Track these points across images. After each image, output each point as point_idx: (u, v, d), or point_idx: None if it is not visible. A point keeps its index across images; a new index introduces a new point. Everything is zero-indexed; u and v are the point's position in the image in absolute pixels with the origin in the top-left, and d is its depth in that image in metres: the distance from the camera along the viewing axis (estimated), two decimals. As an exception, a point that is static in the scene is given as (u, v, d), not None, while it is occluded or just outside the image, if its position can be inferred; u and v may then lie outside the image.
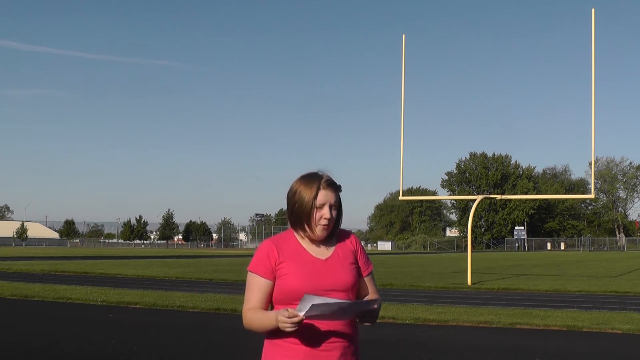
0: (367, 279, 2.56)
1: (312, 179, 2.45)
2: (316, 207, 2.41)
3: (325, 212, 2.42)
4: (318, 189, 2.42)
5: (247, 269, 2.47)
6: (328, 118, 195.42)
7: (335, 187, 2.46)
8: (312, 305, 2.20)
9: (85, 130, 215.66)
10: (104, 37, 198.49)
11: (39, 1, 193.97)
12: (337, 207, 2.46)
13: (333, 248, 2.50)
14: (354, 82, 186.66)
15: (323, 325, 2.36)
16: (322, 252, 2.47)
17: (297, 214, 2.45)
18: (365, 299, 2.49)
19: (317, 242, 2.48)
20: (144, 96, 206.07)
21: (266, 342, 2.46)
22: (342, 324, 2.39)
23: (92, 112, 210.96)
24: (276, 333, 2.38)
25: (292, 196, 2.47)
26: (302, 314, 2.23)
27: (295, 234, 2.51)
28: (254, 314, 2.41)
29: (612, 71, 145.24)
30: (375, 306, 2.35)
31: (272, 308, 2.46)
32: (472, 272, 19.19)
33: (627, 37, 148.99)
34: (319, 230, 2.43)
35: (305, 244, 2.48)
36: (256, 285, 2.43)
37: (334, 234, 2.50)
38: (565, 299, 14.24)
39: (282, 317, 2.24)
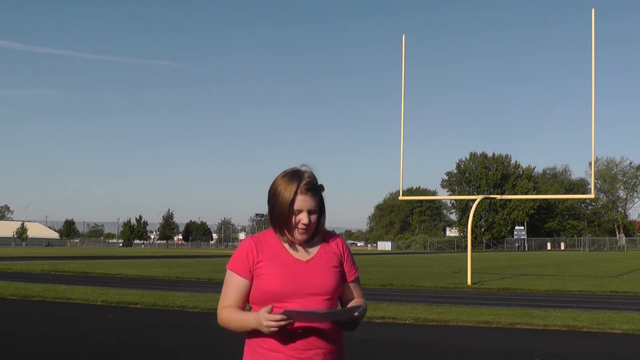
0: (352, 285, 2.46)
1: (292, 180, 2.32)
2: (294, 213, 2.31)
3: (303, 217, 2.31)
4: (295, 194, 2.30)
5: (226, 266, 2.40)
6: (328, 118, 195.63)
7: (315, 191, 2.33)
8: (289, 316, 2.17)
9: (85, 130, 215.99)
10: (104, 37, 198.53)
11: (39, 1, 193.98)
12: (317, 210, 2.35)
13: (316, 250, 2.40)
14: (354, 83, 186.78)
15: (303, 328, 2.27)
16: (304, 254, 2.38)
17: (275, 217, 2.35)
18: (349, 304, 2.39)
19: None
20: (143, 96, 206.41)
21: (246, 346, 2.39)
22: (323, 326, 2.30)
23: (92, 112, 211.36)
24: (255, 336, 2.31)
25: (271, 196, 2.36)
26: (286, 317, 2.18)
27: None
28: (231, 313, 2.34)
29: (612, 71, 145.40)
30: (357, 314, 2.27)
31: (249, 308, 2.38)
32: (472, 272, 19.18)
33: (628, 38, 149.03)
34: (297, 235, 2.34)
35: (286, 244, 2.39)
36: (233, 284, 2.35)
37: (315, 236, 2.40)
38: (565, 299, 14.23)
39: (267, 322, 2.18)
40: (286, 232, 2.35)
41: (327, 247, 2.42)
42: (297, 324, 2.25)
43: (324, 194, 2.40)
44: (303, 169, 2.39)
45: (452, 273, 24.67)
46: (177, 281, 19.32)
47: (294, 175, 2.34)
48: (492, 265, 33.18)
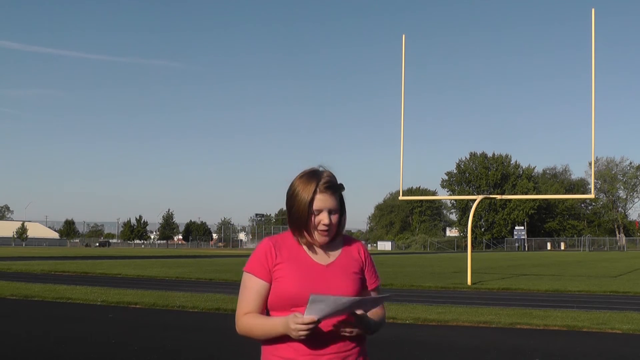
0: (373, 294, 2.37)
1: (310, 179, 2.23)
2: (313, 213, 2.21)
3: (324, 217, 2.21)
4: (314, 193, 2.20)
5: (244, 269, 2.29)
6: (329, 118, 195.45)
7: (334, 190, 2.23)
8: (317, 303, 2.04)
9: (85, 130, 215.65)
10: (104, 37, 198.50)
11: (39, 1, 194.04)
12: (338, 210, 2.24)
13: (337, 254, 2.30)
14: (354, 83, 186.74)
15: (324, 327, 2.16)
16: (324, 257, 2.27)
17: (294, 218, 2.25)
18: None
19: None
20: (143, 96, 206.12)
21: (263, 353, 2.27)
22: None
23: (92, 112, 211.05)
24: (271, 343, 2.21)
25: (289, 197, 2.26)
26: (316, 317, 2.07)
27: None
28: (253, 319, 2.22)
29: (612, 71, 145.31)
30: (380, 309, 2.23)
31: (267, 314, 2.27)
32: (472, 272, 19.19)
33: (628, 38, 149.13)
34: (317, 236, 2.24)
35: (306, 246, 2.29)
36: (253, 287, 2.25)
37: (336, 237, 2.30)
38: (565, 299, 14.23)
39: (296, 325, 2.07)
40: (305, 234, 2.25)
41: (348, 252, 2.33)
42: (326, 329, 2.16)
43: (343, 193, 2.30)
44: (321, 169, 2.30)
45: (452, 273, 24.68)
46: (177, 281, 19.33)
47: (312, 174, 2.26)
48: (492, 265, 33.18)
